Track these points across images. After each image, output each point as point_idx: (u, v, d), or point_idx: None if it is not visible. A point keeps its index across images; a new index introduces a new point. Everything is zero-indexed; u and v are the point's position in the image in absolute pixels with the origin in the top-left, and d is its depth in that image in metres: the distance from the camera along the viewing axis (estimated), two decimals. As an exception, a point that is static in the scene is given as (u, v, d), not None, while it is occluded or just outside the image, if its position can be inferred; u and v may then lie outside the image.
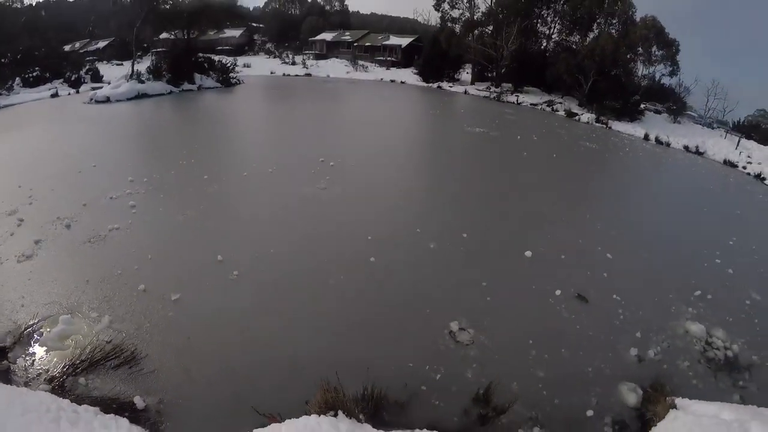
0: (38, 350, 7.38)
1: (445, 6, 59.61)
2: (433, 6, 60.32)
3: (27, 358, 7.17)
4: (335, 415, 5.98)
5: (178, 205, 13.12)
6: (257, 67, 60.89)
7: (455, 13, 59.42)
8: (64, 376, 6.77)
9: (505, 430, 6.64)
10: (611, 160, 26.84)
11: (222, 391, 6.82)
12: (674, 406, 6.96)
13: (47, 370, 6.94)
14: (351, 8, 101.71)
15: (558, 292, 10.35)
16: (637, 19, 49.20)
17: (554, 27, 55.91)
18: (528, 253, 11.87)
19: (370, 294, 9.48)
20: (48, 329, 7.77)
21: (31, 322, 7.94)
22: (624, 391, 7.78)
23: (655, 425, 6.74)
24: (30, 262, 9.95)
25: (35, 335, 7.68)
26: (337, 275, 9.99)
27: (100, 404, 6.20)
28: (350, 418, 6.00)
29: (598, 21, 51.22)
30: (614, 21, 50.50)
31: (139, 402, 6.48)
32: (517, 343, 8.57)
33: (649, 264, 12.56)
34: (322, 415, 5.91)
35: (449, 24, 59.28)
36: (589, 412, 7.25)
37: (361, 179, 16.00)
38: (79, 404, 5.99)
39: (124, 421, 5.94)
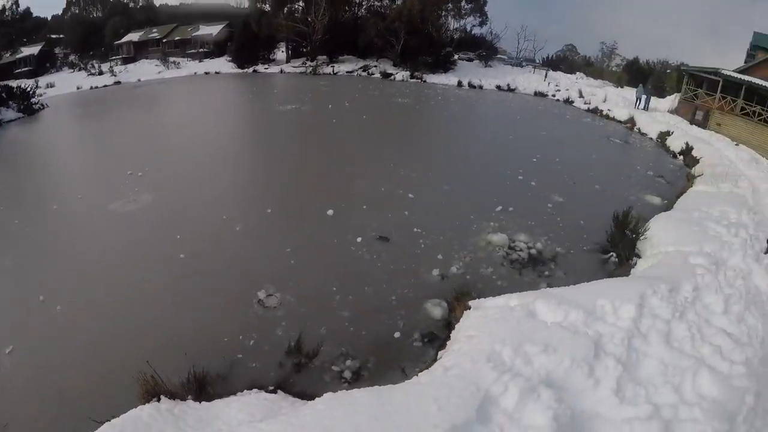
0: None
1: None
2: None
3: None
4: (158, 400, 5.90)
5: None
6: (62, 84, 53.88)
7: None
8: None
9: (319, 370, 6.80)
10: (422, 110, 27.62)
11: (63, 417, 6.33)
12: (468, 308, 7.15)
13: None
14: (158, 1, 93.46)
15: (359, 239, 10.30)
16: None
17: (364, -7, 56.10)
18: (330, 212, 11.65)
19: (180, 286, 9.00)
20: None
21: None
22: (429, 308, 7.94)
23: (454, 328, 6.95)
24: None
25: None
26: (152, 282, 9.27)
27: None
28: (174, 400, 5.99)
29: (406, -17, 51.79)
30: None
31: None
32: (321, 294, 8.48)
33: (452, 195, 12.98)
34: (145, 404, 5.80)
35: (259, 4, 56.48)
36: (397, 334, 7.38)
37: (169, 183, 14.88)
38: None
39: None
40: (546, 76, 41.76)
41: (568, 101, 32.56)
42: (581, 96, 34.15)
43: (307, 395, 6.12)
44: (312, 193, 13.37)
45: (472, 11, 52.11)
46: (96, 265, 10.19)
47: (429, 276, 8.96)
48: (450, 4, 50.44)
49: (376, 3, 55.25)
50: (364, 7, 56.32)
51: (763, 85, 33.52)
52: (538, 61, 54.72)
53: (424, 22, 46.33)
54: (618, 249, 9.78)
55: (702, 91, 35.03)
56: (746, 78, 33.79)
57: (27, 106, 35.86)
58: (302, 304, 8.20)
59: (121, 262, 10.18)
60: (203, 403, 5.98)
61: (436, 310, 7.86)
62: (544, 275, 9.16)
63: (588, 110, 30.19)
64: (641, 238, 9.91)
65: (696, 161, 18.39)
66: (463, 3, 51.24)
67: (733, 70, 35.18)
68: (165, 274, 9.44)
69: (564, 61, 53.88)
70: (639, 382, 5.40)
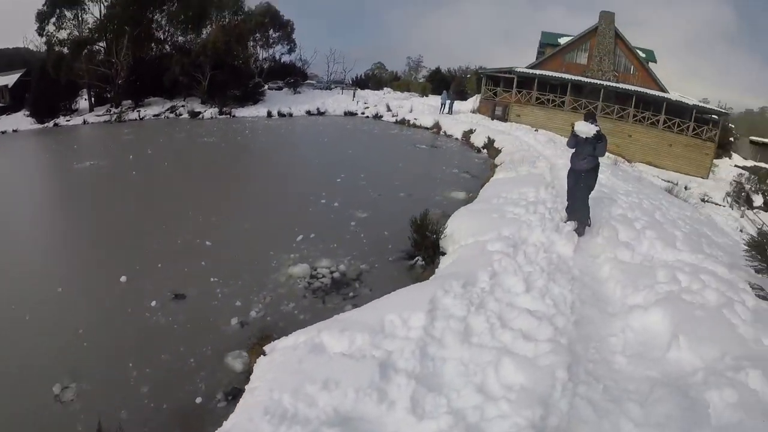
0: None
1: (50, 28, 51.30)
2: (36, 31, 51.65)
3: None
4: None
5: None
6: None
7: (63, 35, 51.48)
8: None
9: None
10: (229, 147, 26.87)
11: None
12: (264, 354, 6.57)
13: None
14: None
15: (153, 303, 9.29)
16: (252, 7, 50.48)
17: (168, 30, 53.93)
18: (123, 278, 10.50)
19: None
20: None
21: None
22: (230, 361, 7.35)
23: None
24: None
25: None
26: None
27: None
28: None
29: (210, 16, 50.77)
30: (225, 13, 50.71)
31: None
32: (118, 373, 7.56)
33: (252, 233, 12.39)
34: None
35: (56, 47, 50.81)
36: (199, 399, 6.74)
37: None
38: None
39: None
40: (354, 96, 42.90)
41: (376, 116, 33.84)
42: (389, 110, 35.70)
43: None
44: (104, 260, 11.94)
45: (280, 39, 52.64)
46: None
47: (228, 327, 8.30)
48: (258, 34, 50.32)
49: (180, 38, 53.22)
50: (169, 43, 54.01)
51: (552, 75, 37.81)
52: (348, 82, 56.01)
53: (231, 55, 45.50)
54: (422, 252, 9.74)
55: (500, 89, 38.45)
56: (537, 72, 38.06)
57: None
58: (100, 390, 7.26)
59: None
60: None
61: (236, 362, 7.28)
62: (349, 297, 8.84)
63: (396, 122, 31.48)
64: (442, 236, 9.89)
65: (498, 152, 19.45)
66: (270, 32, 51.45)
67: (525, 67, 39.08)
68: None
69: (372, 79, 55.76)
70: (439, 390, 5.04)
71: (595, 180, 10.03)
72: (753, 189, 35.68)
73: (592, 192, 10.08)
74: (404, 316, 6.17)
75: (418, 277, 9.07)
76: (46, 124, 46.80)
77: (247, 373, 6.67)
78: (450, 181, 15.81)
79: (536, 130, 30.40)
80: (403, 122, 31.74)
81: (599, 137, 9.45)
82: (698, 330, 5.78)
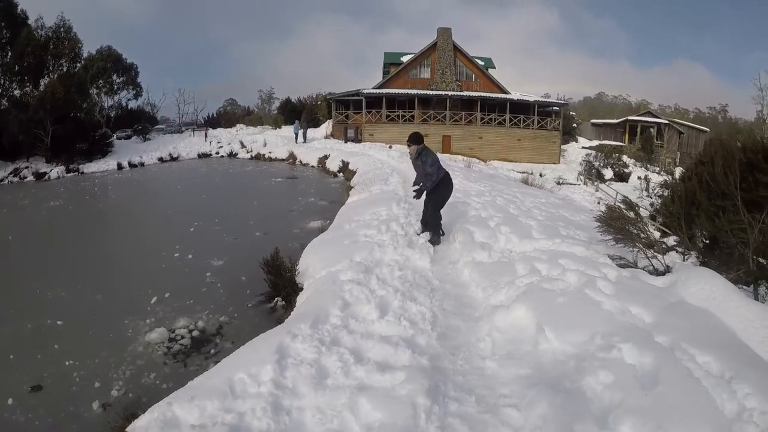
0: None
1: None
2: None
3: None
4: None
5: None
6: None
7: None
8: None
9: None
10: (75, 209, 24.93)
11: None
12: None
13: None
14: None
15: (10, 401, 8.28)
16: (93, 52, 48.06)
17: (4, 83, 50.04)
18: None
19: None
20: None
21: None
22: None
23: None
24: None
25: None
26: None
27: None
28: None
29: (48, 65, 47.61)
30: (63, 61, 47.84)
31: None
32: None
33: (103, 303, 11.60)
34: None
35: None
36: None
37: None
38: None
39: None
40: (206, 136, 42.31)
41: (231, 155, 33.77)
42: (243, 146, 35.75)
43: None
44: None
45: (125, 84, 50.70)
46: None
47: (90, 412, 7.68)
48: (101, 81, 48.14)
49: (17, 92, 49.46)
50: (6, 97, 50.00)
51: (398, 92, 39.69)
52: (200, 122, 54.94)
53: (73, 106, 42.93)
54: (281, 292, 9.62)
55: (350, 111, 39.68)
56: (384, 91, 39.64)
57: None
58: None
59: None
60: None
61: None
62: (211, 355, 8.52)
63: (251, 158, 31.51)
64: (297, 272, 9.80)
65: (353, 173, 19.81)
66: (114, 77, 49.42)
67: (372, 87, 40.51)
68: None
69: (225, 117, 55.18)
70: (297, 447, 4.87)
71: (446, 191, 10.31)
72: (602, 165, 40.20)
73: (442, 205, 10.43)
74: (253, 371, 5.90)
75: (278, 319, 8.89)
76: None
77: None
78: (307, 211, 15.94)
79: (390, 147, 31.50)
80: (258, 157, 31.88)
81: (420, 154, 9.91)
82: (563, 317, 5.87)
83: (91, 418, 7.62)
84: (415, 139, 10.21)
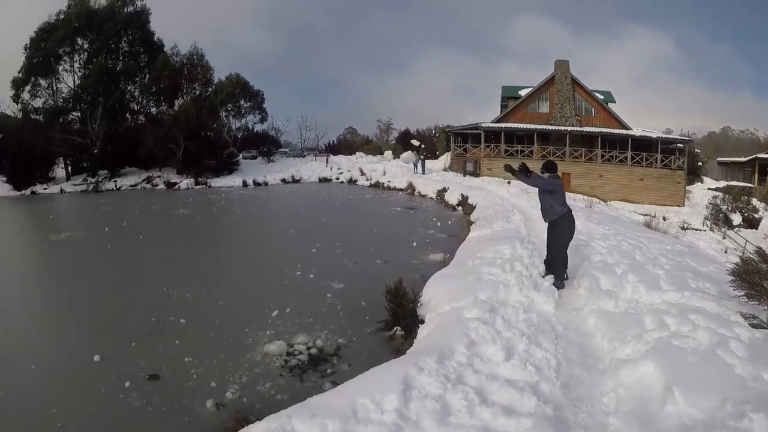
0: None
1: (26, 96, 52.67)
2: (11, 98, 52.67)
3: None
4: None
5: None
6: None
7: (38, 103, 52.91)
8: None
9: None
10: (204, 219, 26.99)
11: None
12: None
13: None
14: None
15: (127, 384, 8.96)
16: (223, 78, 51.40)
17: (141, 101, 54.69)
18: (96, 357, 10.26)
19: None
20: None
21: None
22: None
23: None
24: None
25: None
26: None
27: None
28: None
29: (182, 88, 51.56)
30: (195, 85, 51.59)
31: None
32: None
33: (226, 309, 12.19)
34: None
35: (33, 116, 52.14)
36: None
37: None
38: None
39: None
40: (328, 162, 43.58)
41: (351, 181, 34.39)
42: (363, 174, 36.20)
43: None
44: (78, 337, 11.72)
45: (252, 109, 53.69)
46: None
47: (203, 409, 7.97)
48: (229, 105, 51.13)
49: (153, 109, 53.97)
50: (143, 114, 54.79)
51: (517, 127, 39.04)
52: (321, 148, 56.74)
53: (204, 126, 46.06)
54: (400, 322, 9.50)
55: (469, 145, 39.38)
56: (502, 125, 39.18)
57: None
58: None
59: None
60: None
61: None
62: (327, 374, 8.55)
63: (370, 185, 31.83)
64: (419, 304, 9.69)
65: (473, 208, 19.57)
66: (242, 102, 52.33)
67: (491, 122, 40.19)
68: None
69: (345, 144, 56.94)
70: (415, 479, 4.67)
71: (569, 228, 9.94)
72: (729, 209, 36.67)
73: (568, 242, 10.04)
74: (376, 398, 5.89)
75: (397, 349, 8.86)
76: (23, 192, 46.99)
77: None
78: (427, 243, 15.77)
79: (508, 182, 30.75)
80: (377, 185, 32.20)
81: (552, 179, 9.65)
82: (693, 378, 5.53)
83: (203, 414, 7.91)
84: (551, 167, 9.97)
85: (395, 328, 9.61)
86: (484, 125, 39.72)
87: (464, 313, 8.39)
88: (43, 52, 52.39)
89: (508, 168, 10.16)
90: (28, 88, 52.62)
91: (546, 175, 9.88)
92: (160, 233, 24.07)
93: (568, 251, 10.19)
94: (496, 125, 40.25)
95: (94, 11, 52.82)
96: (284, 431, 5.67)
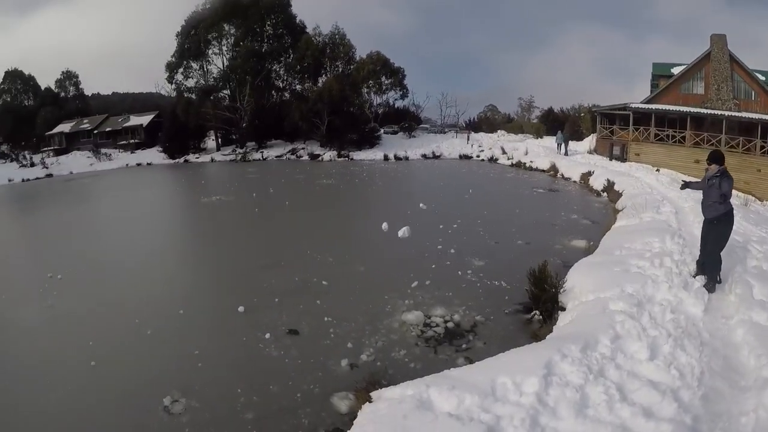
0: None
1: (179, 76, 58.28)
2: (166, 79, 58.56)
3: None
4: None
5: None
6: None
7: (190, 83, 58.39)
8: None
9: None
10: (347, 189, 27.90)
11: None
12: (370, 400, 6.53)
13: None
14: (89, 91, 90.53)
15: (267, 335, 9.77)
16: (364, 56, 52.72)
17: (286, 79, 57.38)
18: (240, 308, 11.12)
19: (88, 394, 8.50)
20: None
21: None
22: (336, 402, 7.40)
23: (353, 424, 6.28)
24: None
25: None
26: (60, 389, 8.81)
27: None
28: None
29: (325, 66, 53.59)
30: (338, 63, 53.40)
31: None
32: (226, 396, 7.99)
33: (367, 276, 12.56)
34: None
35: (185, 94, 57.59)
36: None
37: (87, 286, 14.23)
38: None
39: None
40: (468, 139, 42.91)
41: (492, 159, 33.45)
42: (504, 152, 34.96)
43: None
44: (225, 288, 12.93)
45: (393, 86, 54.21)
46: (7, 374, 9.67)
47: (338, 368, 8.41)
48: (371, 81, 52.12)
49: (298, 86, 56.42)
50: (288, 91, 57.59)
51: (669, 109, 35.20)
52: (462, 125, 56.17)
53: (346, 102, 47.39)
54: (540, 306, 9.23)
55: (616, 126, 36.61)
56: (653, 106, 35.56)
57: None
58: (207, 409, 7.73)
59: (32, 372, 9.67)
60: None
61: (342, 403, 7.32)
62: (461, 349, 8.57)
63: (512, 165, 30.79)
64: (561, 290, 9.37)
65: (619, 195, 18.52)
66: (383, 79, 53.09)
67: (640, 102, 36.90)
68: (75, 383, 8.94)
69: (486, 122, 55.87)
70: (546, 466, 4.66)
71: (729, 228, 9.08)
72: None
73: (725, 242, 9.16)
74: (517, 379, 5.83)
75: (534, 333, 8.71)
76: (176, 160, 52.29)
77: (352, 416, 6.77)
78: (570, 228, 15.27)
79: (657, 170, 28.63)
80: (518, 165, 31.01)
81: (721, 175, 8.80)
82: None
83: (337, 372, 8.28)
84: (718, 158, 9.07)
85: (534, 312, 9.38)
86: (632, 106, 36.56)
87: (610, 304, 8.08)
88: (193, 39, 57.95)
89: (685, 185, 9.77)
90: (180, 70, 58.23)
91: (713, 166, 9.03)
92: (305, 200, 25.32)
93: (722, 253, 9.27)
94: (646, 106, 36.62)
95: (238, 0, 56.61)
96: (421, 399, 5.80)
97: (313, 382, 8.06)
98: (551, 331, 8.21)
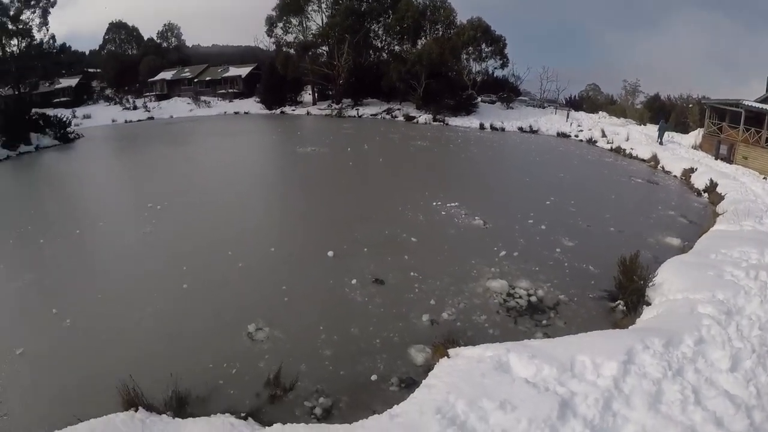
0: None
1: (278, 31, 59.05)
2: (266, 32, 59.47)
3: None
4: (136, 410, 6.37)
5: (16, 270, 12.24)
6: (98, 116, 55.68)
7: (289, 38, 59.05)
8: None
9: (292, 404, 6.92)
10: (440, 153, 27.74)
11: (54, 413, 6.81)
12: (447, 356, 6.83)
13: None
14: (190, 42, 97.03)
15: (354, 281, 10.27)
16: (464, 21, 51.76)
17: (385, 39, 57.31)
18: (330, 253, 11.72)
19: (179, 312, 9.52)
20: None
21: None
22: (413, 353, 7.75)
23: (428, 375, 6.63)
24: None
25: None
26: (154, 305, 9.86)
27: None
28: (150, 412, 6.43)
29: (424, 28, 52.91)
30: (438, 27, 52.63)
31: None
32: (308, 332, 8.57)
33: (456, 238, 12.75)
34: (123, 412, 6.31)
35: (284, 49, 58.46)
36: (374, 377, 7.31)
37: (184, 217, 15.61)
38: None
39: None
40: (568, 117, 41.51)
41: (590, 141, 32.13)
42: (604, 135, 33.35)
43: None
44: (316, 233, 13.53)
45: (493, 54, 52.99)
46: (107, 286, 10.96)
47: (419, 321, 8.75)
48: (470, 48, 51.25)
49: (397, 47, 56.18)
50: (386, 51, 57.49)
51: None
52: (561, 102, 54.45)
53: (445, 66, 46.92)
54: (625, 297, 9.13)
55: (725, 123, 33.99)
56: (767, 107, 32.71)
57: (63, 134, 38.15)
58: (288, 340, 8.33)
59: (130, 285, 10.82)
60: (176, 419, 6.39)
61: (419, 356, 7.65)
62: (541, 324, 8.67)
63: (610, 150, 29.41)
64: (650, 284, 9.24)
65: (721, 198, 17.67)
66: (483, 46, 52.10)
67: (754, 100, 34.15)
68: (168, 301, 9.95)
69: (587, 101, 53.87)
70: (611, 449, 4.83)
71: None
72: None
73: None
74: (597, 361, 5.95)
75: (616, 322, 8.66)
76: (273, 111, 53.79)
77: (426, 368, 7.10)
78: (665, 223, 14.74)
79: (765, 178, 27.01)
80: (618, 151, 29.43)
81: None
82: None
83: (418, 325, 8.65)
84: None
85: (618, 302, 9.31)
86: (746, 103, 33.68)
87: (698, 307, 7.98)
88: (294, -6, 58.73)
89: None
90: (280, 25, 58.55)
91: None
92: (398, 159, 25.58)
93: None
94: (761, 106, 34.15)
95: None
96: (500, 361, 6.11)
97: (393, 331, 8.43)
98: (634, 323, 8.20)
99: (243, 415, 6.64)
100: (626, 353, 6.08)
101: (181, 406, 6.80)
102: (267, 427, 6.02)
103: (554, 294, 9.68)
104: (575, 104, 52.31)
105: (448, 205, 15.54)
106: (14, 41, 42.63)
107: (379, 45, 58.18)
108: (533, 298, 9.49)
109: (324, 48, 56.67)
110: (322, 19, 56.79)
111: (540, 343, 6.73)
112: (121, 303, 10.13)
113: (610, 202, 16.62)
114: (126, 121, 52.39)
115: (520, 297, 9.54)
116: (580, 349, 6.23)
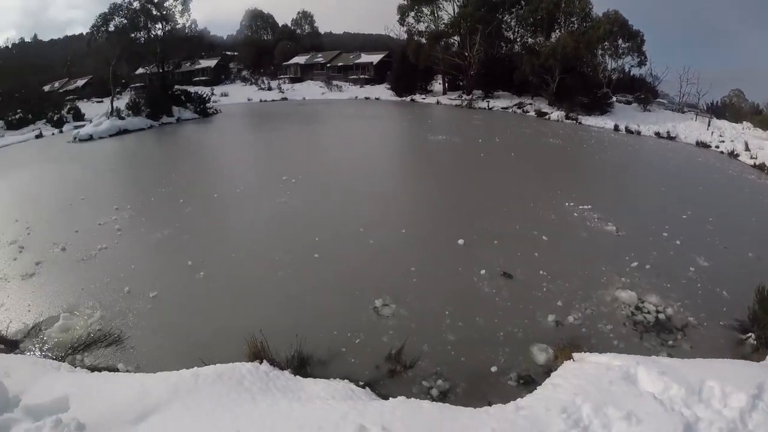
0: (45, 338, 8.73)
1: (410, 20, 59.82)
2: (398, 21, 60.54)
3: (36, 344, 8.52)
4: (260, 363, 7.00)
5: (157, 225, 14.16)
6: (234, 95, 61.20)
7: (421, 27, 59.61)
8: (67, 353, 8.05)
9: (410, 381, 7.29)
10: (573, 153, 27.17)
11: (181, 353, 7.83)
12: (571, 358, 7.05)
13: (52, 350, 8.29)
14: (322, 30, 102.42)
15: (483, 272, 10.62)
16: (600, 15, 49.82)
17: (517, 31, 56.53)
18: (460, 241, 12.15)
19: (309, 279, 10.45)
20: (52, 324, 9.07)
21: (37, 321, 9.20)
22: (535, 352, 7.94)
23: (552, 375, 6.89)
24: (33, 279, 11.20)
25: (42, 328, 8.97)
26: (285, 269, 10.88)
27: (92, 369, 7.47)
28: (273, 366, 7.03)
29: (558, 21, 51.42)
30: (573, 19, 50.92)
31: (121, 367, 7.70)
32: (433, 314, 8.99)
33: (587, 243, 12.74)
34: (248, 362, 6.98)
35: (415, 37, 59.28)
36: (494, 368, 7.56)
37: (318, 192, 16.68)
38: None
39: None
40: (709, 125, 38.86)
41: (732, 154, 29.61)
42: (747, 149, 30.47)
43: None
44: (447, 221, 14.07)
45: (629, 51, 50.58)
46: (241, 246, 12.38)
47: (544, 320, 8.96)
48: (606, 43, 49.31)
49: (530, 40, 55.31)
50: (519, 43, 56.79)
51: None
52: (702, 107, 51.14)
53: (579, 61, 45.64)
54: (759, 329, 8.65)
55: None
56: None
57: (202, 109, 43.06)
58: (413, 320, 8.84)
59: (263, 250, 11.96)
60: (297, 377, 6.90)
61: (541, 355, 7.84)
62: (667, 344, 8.50)
63: (753, 166, 26.79)
64: (789, 320, 8.68)
65: None
66: (619, 42, 49.89)
67: None
68: (298, 267, 10.98)
69: (729, 108, 50.17)
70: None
71: None
72: None
73: None
74: (726, 389, 5.84)
75: (745, 354, 8.28)
76: (403, 98, 55.11)
77: (546, 369, 7.37)
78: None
79: None
80: (762, 168, 26.29)
81: None
82: None
83: (542, 324, 8.91)
84: None
85: (749, 334, 8.82)
86: None
87: None
88: (427, -16, 59.06)
89: None
90: (412, 14, 59.22)
91: None
92: (531, 154, 25.47)
93: None
94: None
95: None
96: (628, 373, 6.25)
97: (518, 326, 8.72)
98: (764, 360, 7.76)
99: (361, 384, 7.00)
100: (757, 387, 5.90)
101: (302, 366, 7.35)
102: (391, 399, 6.22)
103: (684, 315, 9.44)
104: (717, 111, 48.85)
105: (580, 207, 15.46)
106: (159, 25, 46.89)
107: (511, 37, 57.58)
108: (662, 316, 9.34)
109: (455, 38, 56.90)
110: (453, 9, 57.02)
111: (670, 361, 6.74)
112: (253, 264, 11.22)
113: (751, 224, 15.56)
114: (261, 101, 56.66)
115: (649, 312, 9.44)
116: (710, 374, 6.17)
